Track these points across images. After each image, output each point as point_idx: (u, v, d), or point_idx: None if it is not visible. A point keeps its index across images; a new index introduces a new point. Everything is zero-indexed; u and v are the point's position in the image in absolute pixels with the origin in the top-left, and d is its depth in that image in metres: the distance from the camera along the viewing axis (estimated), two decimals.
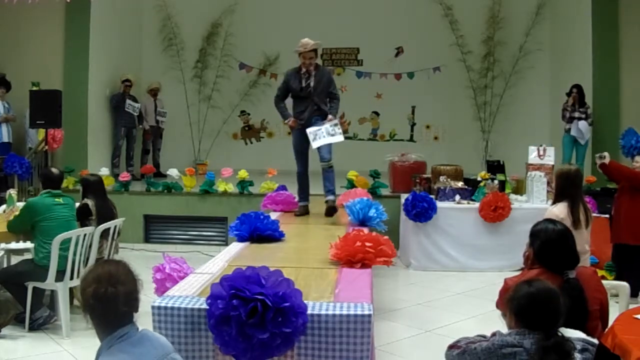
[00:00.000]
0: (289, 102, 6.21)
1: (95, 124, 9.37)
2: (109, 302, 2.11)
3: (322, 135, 5.78)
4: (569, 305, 2.49)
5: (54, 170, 5.11)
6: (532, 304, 2.40)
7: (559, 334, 2.38)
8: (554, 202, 4.40)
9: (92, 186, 5.33)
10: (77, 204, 5.16)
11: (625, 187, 5.60)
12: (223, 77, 11.65)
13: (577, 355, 2.36)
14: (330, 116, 5.93)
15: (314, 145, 5.83)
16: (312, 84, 5.90)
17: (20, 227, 4.81)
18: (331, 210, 5.97)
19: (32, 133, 9.07)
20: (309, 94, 5.91)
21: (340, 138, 5.85)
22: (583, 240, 4.26)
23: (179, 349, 2.80)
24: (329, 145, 5.93)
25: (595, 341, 2.51)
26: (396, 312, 5.38)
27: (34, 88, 8.43)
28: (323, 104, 5.99)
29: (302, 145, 6.08)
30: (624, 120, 8.85)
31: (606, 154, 5.37)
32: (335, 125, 5.85)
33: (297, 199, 6.42)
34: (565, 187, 4.34)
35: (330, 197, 6.02)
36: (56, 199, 4.83)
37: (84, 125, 9.11)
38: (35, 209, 4.72)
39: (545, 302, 2.40)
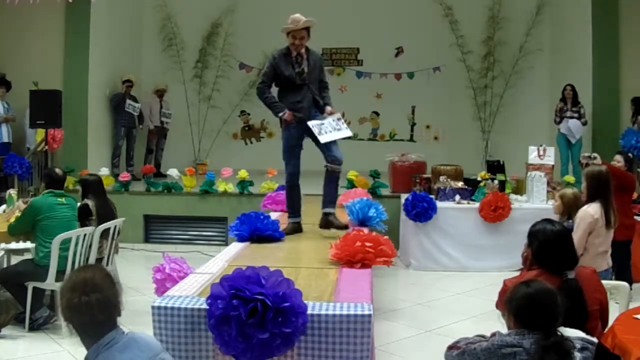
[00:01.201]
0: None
1: (95, 124, 9.37)
2: (83, 312, 2.06)
3: (327, 130, 4.86)
4: (567, 306, 2.50)
5: (58, 170, 5.13)
6: (531, 305, 2.41)
7: (558, 333, 2.39)
8: (586, 202, 4.39)
9: (92, 186, 5.34)
10: (78, 204, 5.17)
11: (614, 186, 5.65)
12: (223, 77, 11.65)
13: (577, 354, 2.36)
14: (329, 108, 4.98)
15: (322, 139, 4.83)
16: (306, 69, 4.90)
17: (22, 227, 4.80)
18: (328, 223, 5.03)
19: (30, 133, 9.08)
20: (304, 79, 4.91)
21: (347, 132, 4.98)
22: (610, 239, 4.33)
23: (179, 349, 2.80)
24: (337, 144, 5.04)
25: (595, 340, 2.51)
26: (396, 312, 5.38)
27: (35, 88, 8.43)
28: (319, 93, 5.03)
29: (298, 141, 5.03)
30: (624, 120, 8.85)
31: (596, 154, 5.44)
32: (339, 119, 4.95)
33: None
34: (598, 187, 4.36)
35: (330, 210, 5.09)
36: (59, 199, 4.85)
37: (84, 125, 9.11)
38: (38, 207, 4.73)
39: (544, 302, 2.41)
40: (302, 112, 4.89)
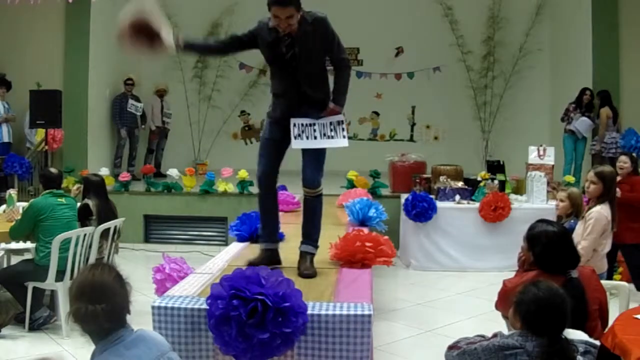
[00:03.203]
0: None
1: (95, 124, 9.37)
2: (90, 321, 2.09)
3: (311, 134, 3.54)
4: (571, 305, 2.48)
5: (53, 170, 5.13)
6: (542, 310, 2.37)
7: (563, 337, 2.37)
8: (597, 204, 4.35)
9: (94, 186, 5.33)
10: (78, 204, 5.16)
11: (626, 190, 5.64)
12: (223, 77, 11.64)
13: (580, 358, 2.35)
14: (331, 106, 3.59)
15: (294, 144, 3.56)
16: (297, 50, 3.51)
17: (24, 230, 4.78)
18: (305, 272, 3.54)
19: (30, 133, 9.08)
20: (293, 66, 3.54)
21: (342, 142, 3.59)
22: (611, 240, 4.33)
23: (179, 349, 2.80)
24: (318, 160, 3.64)
25: (597, 343, 2.50)
26: (396, 312, 5.38)
27: (38, 88, 8.43)
28: (315, 86, 3.60)
29: (274, 141, 3.71)
30: (624, 120, 8.85)
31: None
32: (339, 123, 3.59)
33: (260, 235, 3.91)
34: (609, 188, 4.34)
35: (309, 248, 3.69)
36: (59, 199, 4.84)
37: (84, 125, 9.12)
38: (39, 207, 4.72)
39: (555, 307, 2.38)
40: (280, 108, 3.64)
